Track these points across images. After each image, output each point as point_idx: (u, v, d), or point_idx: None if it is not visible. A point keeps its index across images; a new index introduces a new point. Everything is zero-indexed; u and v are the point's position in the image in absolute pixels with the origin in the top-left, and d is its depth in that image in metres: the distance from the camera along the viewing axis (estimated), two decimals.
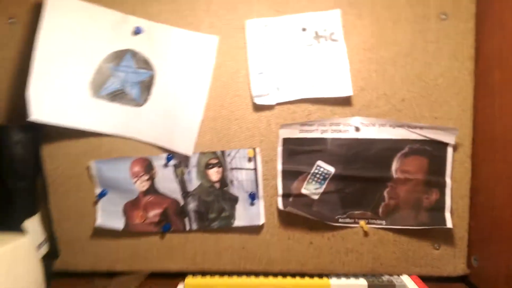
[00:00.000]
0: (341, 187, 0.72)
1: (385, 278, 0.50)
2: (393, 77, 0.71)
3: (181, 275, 0.70)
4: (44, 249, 0.69)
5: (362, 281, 0.51)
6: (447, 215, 0.71)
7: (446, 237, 0.72)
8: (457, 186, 0.71)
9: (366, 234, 0.73)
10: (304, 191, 0.72)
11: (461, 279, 0.73)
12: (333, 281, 0.50)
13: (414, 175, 0.71)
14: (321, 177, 0.72)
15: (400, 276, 0.50)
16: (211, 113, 0.72)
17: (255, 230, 0.74)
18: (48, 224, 0.72)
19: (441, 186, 0.71)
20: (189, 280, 0.53)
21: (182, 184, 0.73)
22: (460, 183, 0.71)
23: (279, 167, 0.73)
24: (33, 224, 0.68)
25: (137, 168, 0.73)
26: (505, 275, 0.63)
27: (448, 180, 0.71)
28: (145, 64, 0.71)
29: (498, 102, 0.65)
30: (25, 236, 0.60)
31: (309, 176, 0.72)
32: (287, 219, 0.74)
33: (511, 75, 0.62)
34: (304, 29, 0.71)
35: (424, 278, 0.71)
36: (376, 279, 0.50)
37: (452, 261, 0.73)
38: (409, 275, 0.51)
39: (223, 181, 0.73)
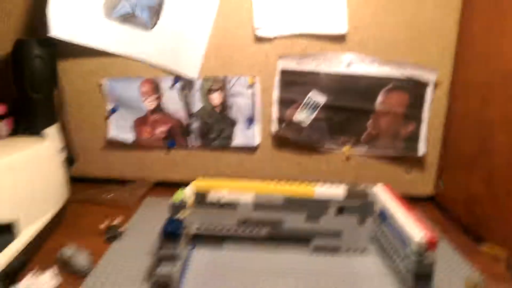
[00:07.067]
0: (329, 116, 0.80)
1: (361, 186, 0.59)
2: (385, 21, 0.76)
3: (183, 185, 0.79)
4: (62, 155, 0.78)
5: (341, 188, 0.59)
6: (420, 145, 0.80)
7: (418, 163, 0.83)
8: (432, 120, 0.80)
9: (348, 158, 0.83)
10: (296, 118, 0.81)
11: (429, 200, 0.84)
12: (317, 189, 0.59)
13: (395, 108, 0.79)
14: (313, 106, 0.80)
15: (375, 186, 0.59)
16: (215, 40, 0.77)
17: (250, 150, 0.83)
18: (65, 134, 0.80)
19: (418, 119, 0.80)
20: (197, 181, 0.60)
21: (186, 105, 0.81)
22: (436, 117, 0.80)
23: (275, 95, 0.80)
24: (52, 132, 0.76)
25: (145, 88, 0.79)
26: (464, 197, 0.74)
27: (425, 114, 0.79)
28: None
29: (477, 50, 0.71)
30: (47, 140, 0.68)
31: (302, 105, 0.80)
32: (279, 142, 0.82)
33: (489, 26, 0.68)
34: None
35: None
36: (353, 186, 0.59)
37: (422, 184, 0.83)
38: None
39: (224, 105, 0.81)
